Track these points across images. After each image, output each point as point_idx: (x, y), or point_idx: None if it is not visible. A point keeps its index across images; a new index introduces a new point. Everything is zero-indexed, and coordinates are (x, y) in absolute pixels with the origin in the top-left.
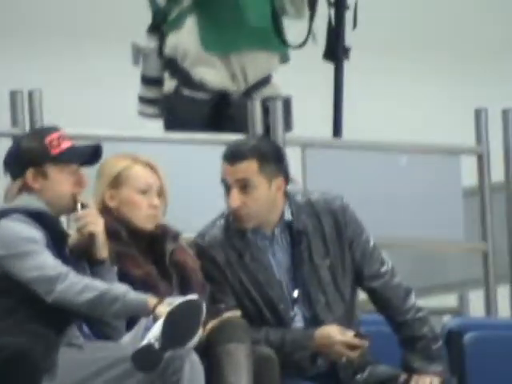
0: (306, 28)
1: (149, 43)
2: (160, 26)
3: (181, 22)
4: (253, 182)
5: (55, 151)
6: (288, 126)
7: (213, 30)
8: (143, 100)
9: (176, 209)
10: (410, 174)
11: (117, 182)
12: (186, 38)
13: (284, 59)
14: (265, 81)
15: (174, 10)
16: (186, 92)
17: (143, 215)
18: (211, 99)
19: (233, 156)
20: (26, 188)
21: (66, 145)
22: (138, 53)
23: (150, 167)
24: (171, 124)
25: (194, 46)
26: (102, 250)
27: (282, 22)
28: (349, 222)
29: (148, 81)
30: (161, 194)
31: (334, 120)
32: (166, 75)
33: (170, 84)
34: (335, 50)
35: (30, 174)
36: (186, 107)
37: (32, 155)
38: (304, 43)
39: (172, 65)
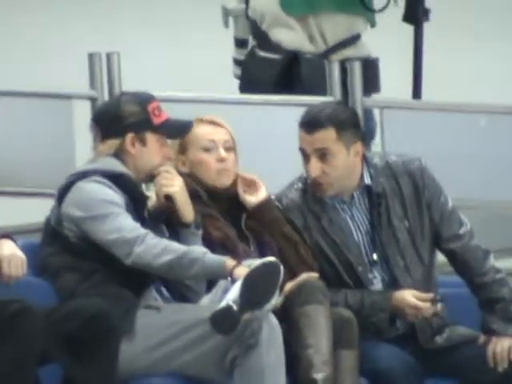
0: None
1: (238, 5)
2: None
3: None
4: (331, 151)
5: (157, 121)
6: (375, 87)
7: None
8: (236, 62)
9: (253, 171)
10: (489, 135)
11: (183, 146)
12: (264, 0)
13: (371, 24)
14: (346, 42)
15: None
16: (261, 53)
17: (213, 171)
18: (283, 59)
19: (310, 125)
20: (121, 150)
21: (164, 116)
22: (226, 15)
23: (214, 124)
24: (244, 85)
25: (272, 8)
26: (186, 213)
27: None
28: (427, 183)
29: (238, 43)
30: (230, 148)
31: (413, 82)
32: (250, 37)
33: (250, 46)
34: (415, 12)
35: (129, 137)
36: (258, 68)
37: (135, 120)
38: (386, 7)
39: (253, 27)
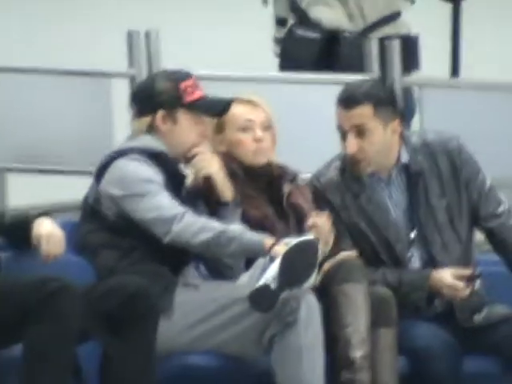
0: None
1: None
2: None
3: None
4: (369, 127)
5: (189, 98)
6: (414, 65)
7: None
8: (276, 40)
9: (290, 149)
10: None
11: (220, 126)
12: None
13: (411, 1)
14: (386, 19)
15: None
16: (300, 32)
17: (250, 150)
18: (322, 38)
19: (347, 101)
20: (152, 127)
21: (199, 94)
22: None
23: (251, 103)
24: (283, 64)
25: None
26: (224, 191)
27: None
28: (465, 162)
29: (278, 21)
30: (266, 127)
31: (451, 60)
32: (290, 16)
33: (289, 25)
34: None
35: (160, 115)
36: (297, 47)
37: (166, 97)
38: None
39: (293, 5)
